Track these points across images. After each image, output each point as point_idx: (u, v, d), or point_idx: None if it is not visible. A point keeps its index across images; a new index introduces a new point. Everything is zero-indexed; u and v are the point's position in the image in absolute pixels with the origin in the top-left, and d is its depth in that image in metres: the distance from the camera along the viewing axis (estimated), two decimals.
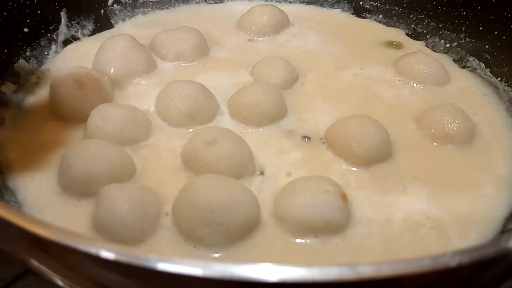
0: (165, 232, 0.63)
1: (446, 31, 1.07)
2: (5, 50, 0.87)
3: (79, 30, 1.03)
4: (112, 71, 0.86)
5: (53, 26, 0.98)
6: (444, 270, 0.39)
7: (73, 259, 0.43)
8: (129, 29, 1.07)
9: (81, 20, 1.04)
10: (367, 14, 1.17)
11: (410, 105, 0.88)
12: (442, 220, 0.69)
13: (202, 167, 0.69)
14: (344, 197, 0.65)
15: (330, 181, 0.66)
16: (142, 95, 0.86)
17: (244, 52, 1.01)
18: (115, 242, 0.60)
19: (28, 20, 0.92)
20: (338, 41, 1.06)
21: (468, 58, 1.01)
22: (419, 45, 1.08)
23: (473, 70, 1.00)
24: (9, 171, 0.72)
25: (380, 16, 1.16)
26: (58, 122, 0.79)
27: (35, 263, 0.49)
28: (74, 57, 0.97)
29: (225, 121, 0.82)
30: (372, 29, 1.13)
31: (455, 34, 1.05)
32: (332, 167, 0.75)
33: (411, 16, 1.12)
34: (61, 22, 0.99)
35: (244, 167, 0.71)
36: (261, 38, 1.06)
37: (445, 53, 1.05)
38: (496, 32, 0.97)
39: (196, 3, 1.19)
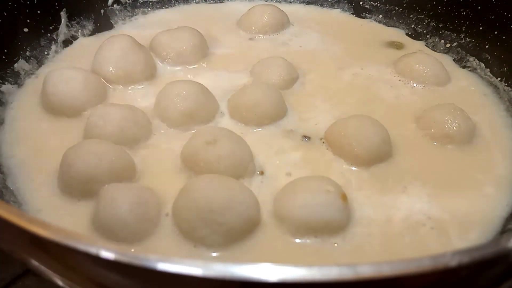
0: (165, 232, 0.63)
1: (446, 31, 1.07)
2: (5, 50, 0.88)
3: (79, 30, 1.03)
4: (111, 71, 0.86)
5: (53, 26, 0.98)
6: (444, 270, 0.39)
7: (73, 259, 0.43)
8: (129, 29, 1.07)
9: (81, 20, 1.04)
10: (367, 14, 1.17)
11: (410, 105, 0.88)
12: (442, 220, 0.69)
13: (202, 167, 0.69)
14: (344, 197, 0.65)
15: (330, 181, 0.66)
16: (142, 95, 0.86)
17: (244, 52, 1.01)
18: (115, 242, 0.60)
19: (28, 20, 0.92)
20: (338, 41, 1.06)
21: (468, 58, 1.01)
22: (419, 45, 1.08)
23: (473, 70, 0.99)
24: (9, 171, 0.72)
25: (380, 16, 1.16)
26: (58, 122, 0.79)
27: (35, 263, 0.49)
28: (74, 57, 0.97)
29: (225, 121, 0.82)
30: (372, 29, 1.13)
31: (455, 34, 1.05)
32: (332, 167, 0.75)
33: (411, 16, 1.12)
34: (61, 22, 0.99)
35: (244, 167, 0.71)
36: (261, 38, 1.06)
37: (445, 53, 1.05)
38: (496, 32, 0.97)
39: (196, 3, 1.19)
